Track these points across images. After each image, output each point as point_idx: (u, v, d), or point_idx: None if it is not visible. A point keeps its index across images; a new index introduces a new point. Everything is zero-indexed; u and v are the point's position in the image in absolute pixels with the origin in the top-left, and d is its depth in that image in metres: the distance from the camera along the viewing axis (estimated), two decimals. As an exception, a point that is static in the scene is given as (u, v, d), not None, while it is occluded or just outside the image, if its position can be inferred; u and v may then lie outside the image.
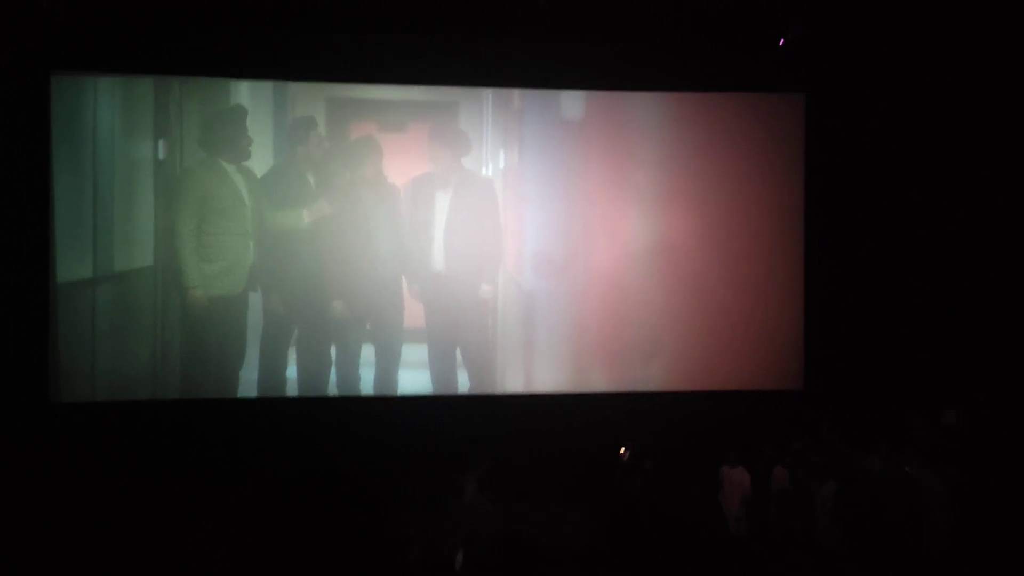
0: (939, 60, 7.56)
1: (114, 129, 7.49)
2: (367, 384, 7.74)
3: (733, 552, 6.05)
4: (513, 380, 7.97)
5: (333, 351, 7.70)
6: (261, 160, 7.57)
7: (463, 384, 7.85)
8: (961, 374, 7.17)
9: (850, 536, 5.90)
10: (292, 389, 7.66)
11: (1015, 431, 6.44)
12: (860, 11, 7.39)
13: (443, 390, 7.79)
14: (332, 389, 7.70)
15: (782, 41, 7.53)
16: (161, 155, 7.51)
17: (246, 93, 7.68)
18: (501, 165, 7.96)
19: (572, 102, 8.04)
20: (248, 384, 7.60)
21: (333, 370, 7.69)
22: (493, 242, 7.83)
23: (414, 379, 7.77)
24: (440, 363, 7.79)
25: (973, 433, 6.50)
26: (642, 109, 8.04)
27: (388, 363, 7.73)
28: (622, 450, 6.56)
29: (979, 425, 6.53)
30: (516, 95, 7.98)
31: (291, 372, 7.69)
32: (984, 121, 7.44)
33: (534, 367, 7.98)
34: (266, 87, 7.68)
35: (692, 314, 8.00)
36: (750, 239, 8.06)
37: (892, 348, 7.66)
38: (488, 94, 7.93)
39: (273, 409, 7.56)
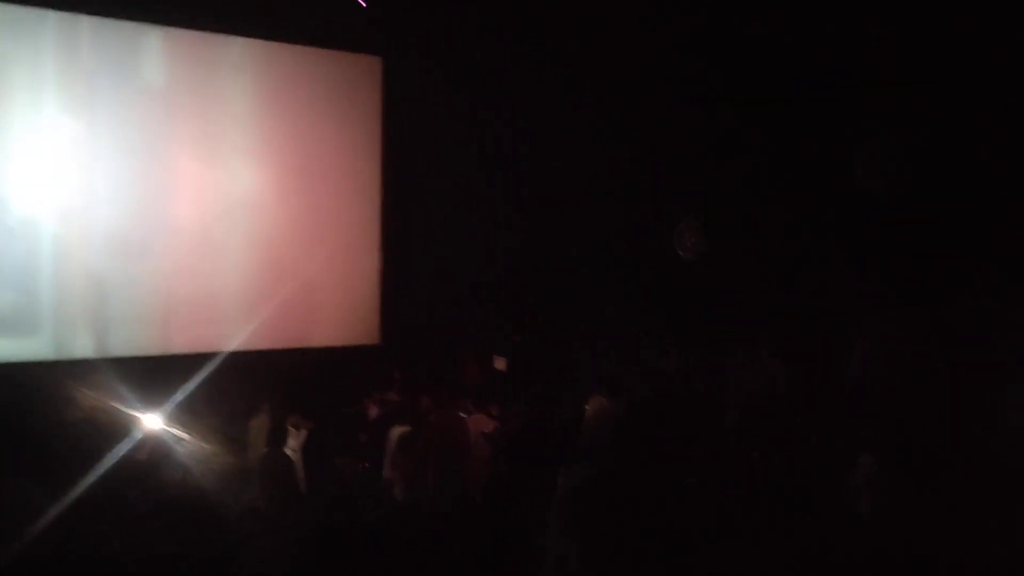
0: (522, 29, 7.90)
1: None
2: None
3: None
4: (83, 344, 7.25)
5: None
6: None
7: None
8: (514, 325, 8.00)
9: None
10: None
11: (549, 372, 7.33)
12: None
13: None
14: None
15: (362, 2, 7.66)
16: None
17: None
18: (56, 105, 7.06)
19: (149, 38, 7.37)
20: None
21: None
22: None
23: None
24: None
25: (516, 376, 7.32)
26: (227, 55, 7.65)
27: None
28: None
29: (520, 369, 7.38)
30: (84, 23, 7.08)
31: None
32: (559, 85, 7.91)
33: (110, 331, 7.36)
34: None
35: (273, 272, 7.94)
36: (331, 196, 8.19)
37: (460, 302, 8.26)
38: (50, 17, 6.95)
39: None
